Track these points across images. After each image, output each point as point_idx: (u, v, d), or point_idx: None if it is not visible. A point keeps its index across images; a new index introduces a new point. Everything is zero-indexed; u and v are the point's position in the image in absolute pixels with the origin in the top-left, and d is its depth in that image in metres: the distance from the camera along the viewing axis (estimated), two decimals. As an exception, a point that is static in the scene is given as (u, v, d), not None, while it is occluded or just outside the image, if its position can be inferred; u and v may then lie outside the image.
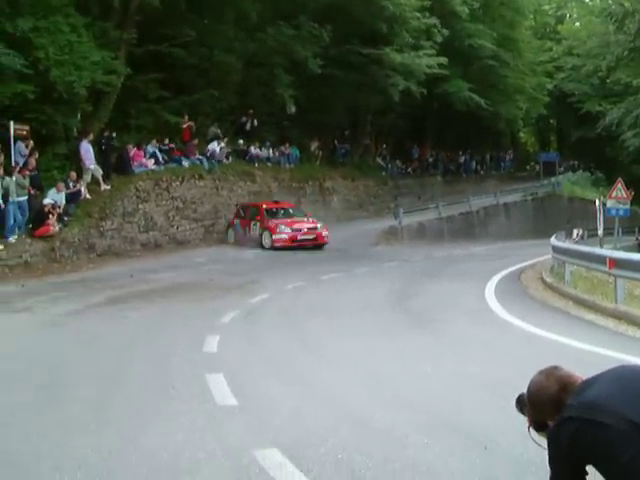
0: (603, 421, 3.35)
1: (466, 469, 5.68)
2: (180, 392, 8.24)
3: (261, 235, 30.76)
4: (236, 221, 32.31)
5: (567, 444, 3.54)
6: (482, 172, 59.94)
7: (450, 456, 5.94)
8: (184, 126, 33.55)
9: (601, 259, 16.30)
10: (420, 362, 9.70)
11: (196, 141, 33.72)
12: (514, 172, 64.34)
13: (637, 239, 45.66)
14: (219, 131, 35.89)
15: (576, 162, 71.87)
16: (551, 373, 3.89)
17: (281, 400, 7.80)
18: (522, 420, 6.39)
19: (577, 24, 74.70)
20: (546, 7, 78.58)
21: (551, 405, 3.80)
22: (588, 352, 10.25)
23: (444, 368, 9.31)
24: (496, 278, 21.32)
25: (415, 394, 8.03)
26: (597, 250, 19.23)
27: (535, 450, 5.79)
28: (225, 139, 35.68)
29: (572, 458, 3.60)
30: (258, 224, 31.09)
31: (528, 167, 69.32)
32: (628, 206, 29.22)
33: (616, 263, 15.24)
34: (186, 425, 6.92)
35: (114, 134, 29.65)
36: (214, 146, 34.32)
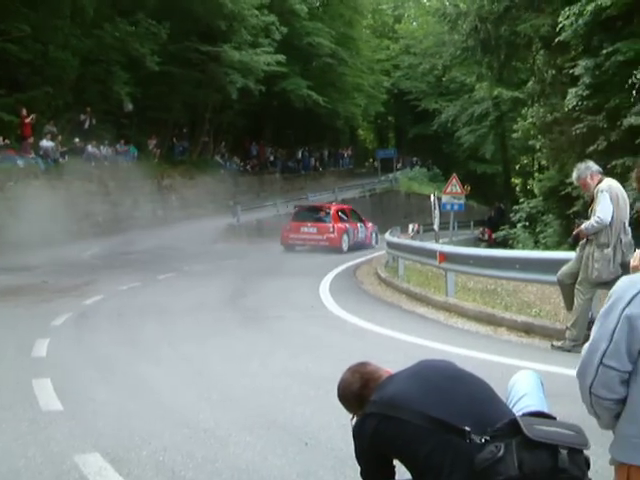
0: (402, 417, 3.50)
1: (285, 465, 5.81)
2: (3, 399, 8.05)
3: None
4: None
5: (369, 439, 3.70)
6: (321, 169, 60.55)
7: (270, 453, 6.07)
8: (27, 121, 32.59)
9: (432, 253, 16.82)
10: (250, 360, 9.81)
11: (31, 140, 32.91)
12: (353, 169, 65.29)
13: (480, 237, 46.78)
14: (55, 129, 35.10)
15: (415, 158, 73.48)
16: (357, 370, 4.06)
17: (107, 404, 7.76)
18: (344, 415, 6.64)
19: (414, 24, 76.34)
20: (384, 6, 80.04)
21: (355, 401, 3.97)
22: (417, 345, 10.56)
23: (272, 365, 9.45)
24: (332, 274, 21.72)
25: (241, 392, 8.13)
26: (428, 245, 19.83)
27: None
28: (60, 137, 34.93)
29: (376, 452, 3.76)
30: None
31: (367, 164, 70.51)
32: (463, 201, 30.06)
33: (446, 257, 15.75)
34: (8, 433, 6.79)
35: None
36: (48, 144, 33.54)
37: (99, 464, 5.92)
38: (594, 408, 2.33)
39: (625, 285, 2.25)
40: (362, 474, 3.97)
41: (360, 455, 3.90)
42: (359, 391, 3.98)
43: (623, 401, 2.26)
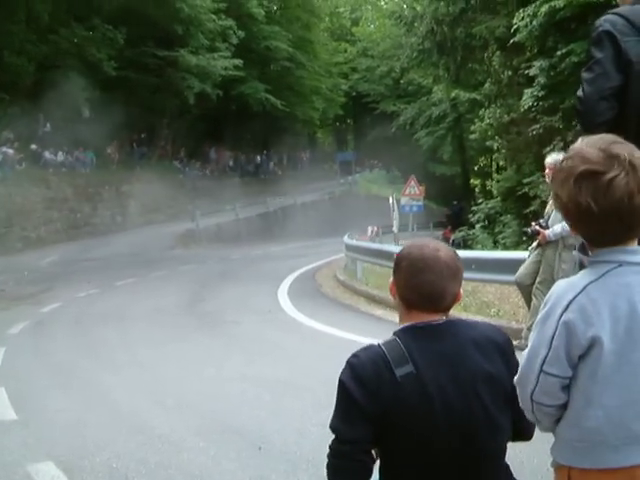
0: None
1: (238, 470, 5.81)
2: (-44, 408, 7.98)
3: None
4: None
5: None
6: (280, 172, 60.47)
7: (224, 458, 6.06)
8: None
9: (389, 255, 16.83)
10: (205, 365, 9.79)
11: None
12: (312, 172, 65.35)
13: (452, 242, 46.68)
14: (11, 136, 34.83)
15: (374, 161, 73.63)
16: None
17: (62, 412, 7.71)
18: (298, 418, 6.64)
19: (371, 26, 76.60)
20: (341, 9, 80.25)
21: None
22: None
23: (228, 370, 9.43)
24: (291, 277, 21.71)
25: (196, 398, 8.10)
26: (385, 246, 19.88)
27: (308, 448, 6.06)
28: (16, 144, 34.64)
29: None
30: None
31: (326, 167, 70.59)
32: (421, 203, 30.13)
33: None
34: (-40, 443, 6.73)
35: None
36: (5, 152, 33.24)
37: (52, 473, 5.89)
38: (535, 414, 2.33)
39: (562, 289, 2.26)
40: None
41: None
42: None
43: (564, 406, 2.27)
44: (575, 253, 2.62)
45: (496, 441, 2.68)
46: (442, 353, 2.63)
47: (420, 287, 2.67)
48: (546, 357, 2.21)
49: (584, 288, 2.20)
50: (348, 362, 2.64)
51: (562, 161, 2.24)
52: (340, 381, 2.64)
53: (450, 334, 2.69)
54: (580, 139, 2.27)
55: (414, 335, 2.66)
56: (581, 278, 2.25)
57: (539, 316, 2.30)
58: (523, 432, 2.76)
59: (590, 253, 2.29)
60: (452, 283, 2.69)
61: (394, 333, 2.71)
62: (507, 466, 2.78)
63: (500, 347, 2.72)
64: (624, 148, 2.14)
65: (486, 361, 2.67)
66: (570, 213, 2.19)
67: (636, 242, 2.23)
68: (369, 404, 2.57)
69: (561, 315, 2.19)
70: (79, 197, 37.20)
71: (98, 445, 6.50)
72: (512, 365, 2.65)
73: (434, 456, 2.61)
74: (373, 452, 2.69)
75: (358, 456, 2.61)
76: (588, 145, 2.18)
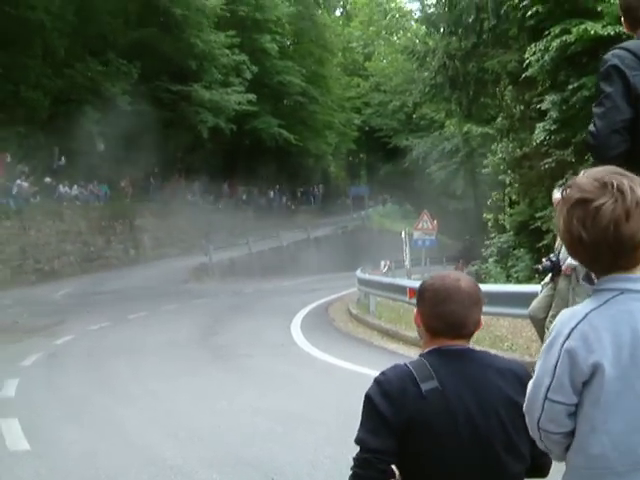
0: None
1: (251, 501, 5.83)
2: (-30, 440, 7.99)
3: None
4: None
5: None
6: (293, 207, 60.60)
7: (236, 490, 6.08)
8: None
9: (402, 289, 16.83)
10: (218, 398, 9.78)
11: (2, 179, 32.85)
12: (325, 206, 65.42)
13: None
14: (26, 169, 35.05)
15: (387, 195, 73.69)
16: None
17: (75, 443, 7.71)
18: (310, 451, 6.64)
19: (384, 61, 76.94)
20: (354, 44, 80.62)
21: None
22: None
23: (241, 403, 9.42)
24: (304, 311, 21.68)
25: (208, 430, 8.10)
26: (398, 280, 19.90)
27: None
28: (31, 177, 34.84)
29: None
30: None
31: (339, 201, 70.69)
32: (434, 237, 30.14)
33: (415, 292, 15.73)
34: (-27, 474, 6.75)
35: None
36: (20, 184, 33.45)
37: (64, 503, 5.89)
38: (544, 442, 2.34)
39: (565, 319, 2.27)
40: None
41: None
42: None
43: (572, 433, 2.28)
44: (582, 283, 2.66)
45: (515, 466, 2.73)
46: (466, 374, 2.74)
47: (443, 316, 2.81)
48: (550, 385, 2.23)
49: (586, 316, 2.22)
50: (375, 379, 2.75)
51: (562, 191, 2.26)
52: (367, 396, 2.73)
53: (473, 358, 2.83)
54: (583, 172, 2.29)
55: (439, 356, 2.78)
56: (584, 306, 2.26)
57: (544, 345, 2.32)
58: (541, 467, 2.80)
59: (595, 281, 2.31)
60: (474, 311, 2.85)
61: (420, 355, 2.84)
62: None
63: (520, 378, 2.79)
64: (618, 177, 2.16)
65: (508, 387, 2.77)
66: (566, 242, 2.22)
67: None
68: (394, 417, 2.66)
69: (563, 343, 2.21)
70: (93, 230, 37.34)
71: (110, 476, 6.51)
72: None
73: (455, 473, 2.69)
74: (396, 473, 2.76)
75: (381, 466, 2.68)
76: (586, 175, 2.20)
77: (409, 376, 2.72)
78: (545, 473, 2.80)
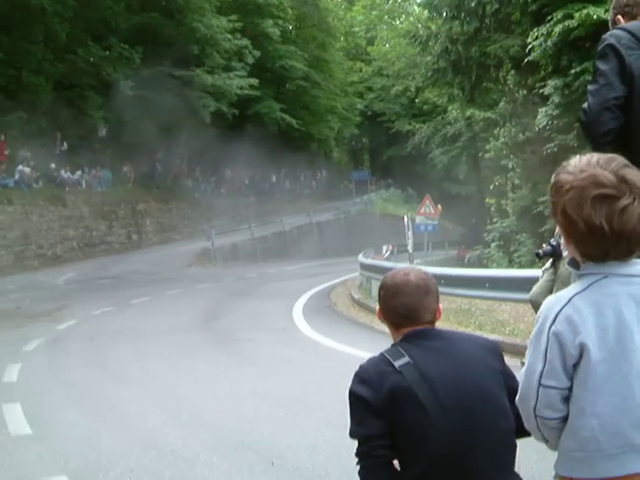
0: None
1: (253, 484, 5.85)
2: (-27, 424, 8.01)
3: None
4: None
5: None
6: (296, 192, 60.57)
7: (237, 473, 6.07)
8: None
9: (403, 274, 16.82)
10: (220, 381, 9.84)
11: (4, 165, 32.86)
12: (327, 191, 65.34)
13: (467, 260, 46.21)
14: (28, 154, 35.04)
15: (390, 180, 73.61)
16: None
17: (76, 427, 7.74)
18: (311, 435, 6.66)
19: (387, 46, 76.66)
20: (357, 29, 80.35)
21: None
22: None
23: (242, 387, 9.45)
24: (306, 296, 21.73)
25: (210, 414, 8.14)
26: (399, 265, 19.84)
27: (321, 464, 6.07)
28: (33, 163, 34.83)
29: None
30: None
31: (341, 186, 70.61)
32: (436, 222, 30.13)
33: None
34: (-24, 458, 6.76)
35: None
36: (25, 170, 33.46)
37: (66, 487, 5.92)
38: (541, 431, 2.36)
39: (550, 304, 2.30)
40: None
41: None
42: None
43: (567, 418, 2.30)
44: (567, 267, 2.67)
45: (501, 424, 2.87)
46: (435, 347, 2.93)
47: (397, 308, 3.04)
48: (543, 371, 2.25)
49: (570, 300, 2.24)
50: (354, 373, 2.93)
51: (563, 175, 2.26)
52: (349, 391, 2.91)
53: (439, 335, 3.03)
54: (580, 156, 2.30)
55: (407, 339, 2.99)
56: (568, 291, 2.29)
57: (532, 333, 2.34)
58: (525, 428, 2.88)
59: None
60: (426, 300, 3.04)
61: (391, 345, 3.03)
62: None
63: (489, 347, 3.04)
64: (630, 171, 2.19)
65: (478, 353, 2.96)
66: (578, 231, 2.22)
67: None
68: (375, 397, 2.82)
69: (550, 328, 2.23)
70: (95, 215, 37.36)
71: (112, 460, 6.52)
72: (504, 364, 2.98)
73: (444, 441, 2.79)
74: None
75: (376, 451, 2.83)
76: (599, 164, 2.22)
77: (383, 360, 2.92)
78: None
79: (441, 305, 3.08)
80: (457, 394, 2.82)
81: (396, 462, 2.88)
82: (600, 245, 2.20)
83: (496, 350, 3.05)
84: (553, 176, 2.34)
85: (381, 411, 2.81)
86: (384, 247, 35.69)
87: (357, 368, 2.94)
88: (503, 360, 3.03)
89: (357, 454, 2.89)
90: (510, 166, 30.69)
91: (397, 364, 2.86)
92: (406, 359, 2.87)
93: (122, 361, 11.96)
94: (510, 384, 2.88)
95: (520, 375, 2.35)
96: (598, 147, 3.98)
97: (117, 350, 13.03)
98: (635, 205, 2.14)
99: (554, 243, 9.50)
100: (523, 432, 2.86)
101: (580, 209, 2.17)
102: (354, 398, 2.89)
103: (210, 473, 6.12)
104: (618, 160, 2.23)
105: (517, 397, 2.38)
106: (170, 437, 7.19)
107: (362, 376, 2.90)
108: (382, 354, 2.96)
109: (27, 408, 8.65)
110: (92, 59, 39.25)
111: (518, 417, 2.77)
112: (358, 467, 2.87)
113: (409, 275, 3.09)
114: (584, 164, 2.24)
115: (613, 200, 2.14)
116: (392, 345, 3.03)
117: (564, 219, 2.24)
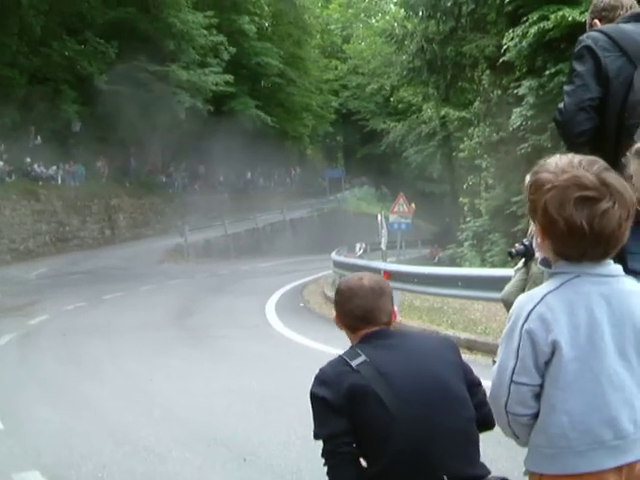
0: None
1: (224, 480, 5.87)
2: (-57, 419, 7.98)
3: None
4: None
5: None
6: (269, 189, 60.48)
7: (210, 469, 6.08)
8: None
9: (376, 272, 16.85)
10: (193, 378, 9.83)
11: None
12: (301, 188, 65.32)
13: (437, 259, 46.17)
14: (2, 147, 34.84)
15: (364, 178, 73.65)
16: None
17: (49, 422, 7.71)
18: (283, 431, 6.69)
19: (362, 44, 76.66)
20: (333, 27, 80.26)
21: None
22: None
23: (215, 383, 9.45)
24: (279, 293, 21.72)
25: (182, 410, 8.14)
26: (372, 263, 19.95)
27: (293, 460, 6.10)
28: (6, 156, 34.63)
29: None
30: None
31: (315, 183, 70.59)
32: (410, 220, 30.17)
33: (390, 275, 15.80)
34: (-54, 453, 6.74)
35: None
36: (-2, 164, 33.32)
37: (37, 482, 5.91)
38: (512, 427, 2.39)
39: (522, 302, 2.34)
40: None
41: None
42: None
43: (538, 415, 2.34)
44: (539, 266, 2.73)
45: (462, 413, 2.95)
46: (392, 345, 3.05)
47: (351, 311, 3.16)
48: (515, 368, 2.29)
49: (542, 298, 2.28)
50: (314, 377, 3.05)
51: (544, 174, 2.30)
52: (310, 393, 3.04)
53: (396, 335, 3.15)
54: (560, 156, 2.34)
55: (364, 340, 3.11)
56: (540, 289, 2.33)
57: (505, 331, 2.38)
58: (485, 417, 2.96)
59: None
60: (380, 302, 3.16)
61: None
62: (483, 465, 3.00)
63: (446, 344, 3.18)
64: (610, 174, 2.24)
65: (435, 348, 3.09)
66: (558, 230, 2.25)
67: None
68: (335, 397, 2.92)
69: (522, 325, 2.27)
70: (68, 210, 37.21)
71: (84, 455, 6.50)
72: (461, 359, 3.11)
73: (406, 433, 2.86)
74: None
75: (341, 449, 2.92)
76: (581, 166, 2.25)
77: (340, 361, 3.05)
78: (492, 423, 2.88)
79: (396, 308, 3.21)
80: (415, 387, 2.90)
81: (362, 460, 2.96)
82: (578, 245, 2.23)
83: (453, 346, 3.16)
84: (529, 175, 2.37)
85: (342, 410, 2.91)
86: (357, 245, 35.78)
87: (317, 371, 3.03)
88: (460, 355, 3.13)
89: (323, 454, 2.98)
90: (484, 166, 30.81)
91: (354, 363, 2.96)
92: (362, 358, 2.97)
93: (95, 357, 11.92)
94: (469, 378, 3.02)
95: (492, 372, 2.38)
96: (573, 147, 4.03)
97: (89, 346, 12.98)
98: (615, 209, 2.18)
99: (527, 243, 9.55)
100: (485, 425, 2.96)
101: (562, 209, 2.20)
102: (315, 400, 3.01)
103: (182, 469, 6.12)
104: (600, 163, 2.27)
105: (489, 394, 2.42)
106: (143, 433, 7.19)
107: (321, 378, 3.02)
108: (340, 356, 3.08)
109: (-1, 404, 8.62)
110: (67, 53, 39.09)
111: (478, 408, 2.92)
112: (326, 467, 2.95)
113: (362, 279, 3.21)
114: (566, 164, 2.27)
115: (595, 202, 2.18)
116: (350, 347, 3.13)
117: (544, 217, 2.27)
